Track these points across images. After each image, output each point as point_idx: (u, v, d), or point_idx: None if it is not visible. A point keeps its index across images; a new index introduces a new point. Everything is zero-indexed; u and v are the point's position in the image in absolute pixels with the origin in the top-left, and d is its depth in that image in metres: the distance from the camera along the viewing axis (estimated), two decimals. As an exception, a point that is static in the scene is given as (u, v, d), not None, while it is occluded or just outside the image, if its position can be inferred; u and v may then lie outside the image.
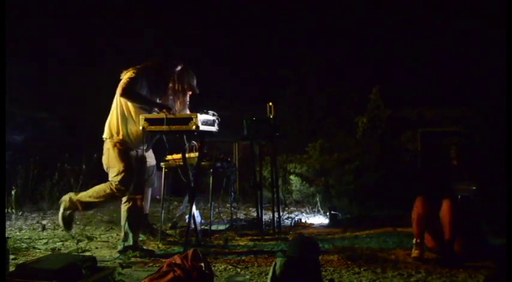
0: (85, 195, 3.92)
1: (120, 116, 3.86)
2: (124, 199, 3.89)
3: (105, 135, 3.93)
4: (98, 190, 3.86)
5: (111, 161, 3.84)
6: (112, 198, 3.87)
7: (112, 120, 3.91)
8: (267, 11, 11.08)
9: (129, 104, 3.85)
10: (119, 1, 9.89)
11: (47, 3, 8.67)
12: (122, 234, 3.87)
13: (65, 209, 3.95)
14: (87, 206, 3.99)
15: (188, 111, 4.11)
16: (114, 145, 3.84)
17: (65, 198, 3.98)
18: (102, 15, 9.43)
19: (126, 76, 3.83)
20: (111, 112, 3.96)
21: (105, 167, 3.93)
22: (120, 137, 3.84)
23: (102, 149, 3.93)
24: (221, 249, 3.90)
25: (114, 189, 3.76)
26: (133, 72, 3.83)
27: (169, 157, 4.31)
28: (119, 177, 3.74)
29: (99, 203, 3.98)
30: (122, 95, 3.77)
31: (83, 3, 9.19)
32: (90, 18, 9.33)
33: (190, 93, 4.15)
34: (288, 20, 11.02)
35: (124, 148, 3.82)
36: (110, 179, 3.85)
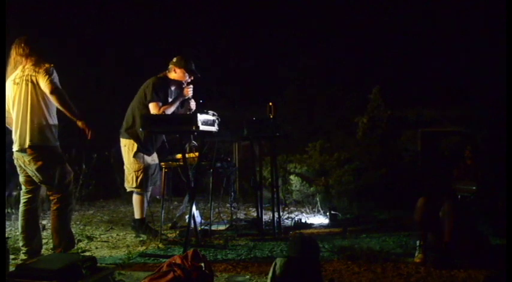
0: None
1: None
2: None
3: None
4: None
5: None
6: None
7: None
8: (268, 10, 11.09)
9: None
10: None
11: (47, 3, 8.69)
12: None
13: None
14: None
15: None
16: None
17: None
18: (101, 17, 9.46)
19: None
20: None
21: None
22: None
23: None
24: (221, 249, 3.90)
25: None
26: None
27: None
28: None
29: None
30: None
31: (84, 6, 9.22)
32: (89, 18, 9.35)
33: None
34: (289, 20, 11.04)
35: None
36: None
